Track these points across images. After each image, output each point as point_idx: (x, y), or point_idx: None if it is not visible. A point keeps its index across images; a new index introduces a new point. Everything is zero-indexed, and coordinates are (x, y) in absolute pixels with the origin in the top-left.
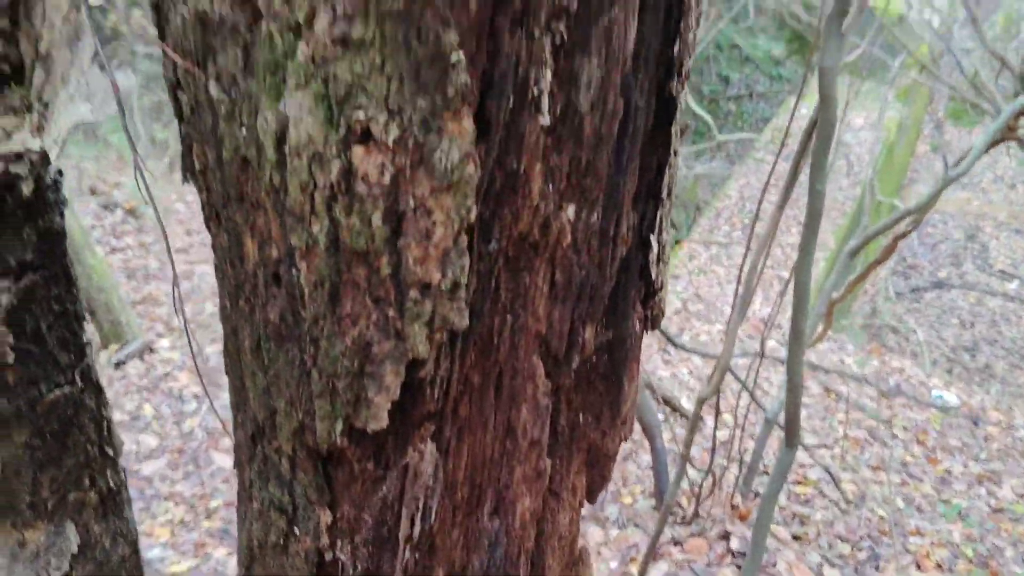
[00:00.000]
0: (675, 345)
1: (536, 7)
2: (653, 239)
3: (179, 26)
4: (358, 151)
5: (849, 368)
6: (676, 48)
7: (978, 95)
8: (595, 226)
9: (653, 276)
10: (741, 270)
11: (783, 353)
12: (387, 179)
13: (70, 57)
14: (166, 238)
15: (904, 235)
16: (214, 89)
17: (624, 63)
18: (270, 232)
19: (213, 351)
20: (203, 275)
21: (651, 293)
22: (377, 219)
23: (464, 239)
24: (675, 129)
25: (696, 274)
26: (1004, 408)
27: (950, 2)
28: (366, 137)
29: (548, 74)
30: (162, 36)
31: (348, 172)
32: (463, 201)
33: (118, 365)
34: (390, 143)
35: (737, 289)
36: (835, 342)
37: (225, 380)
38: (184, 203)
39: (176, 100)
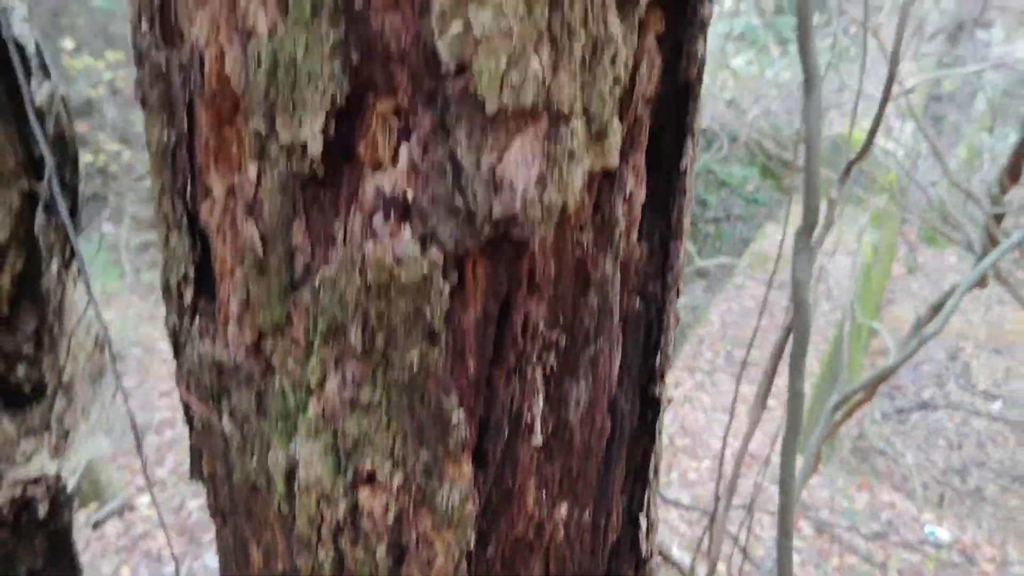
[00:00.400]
0: (664, 501)
1: (528, 354)
2: (642, 518)
3: (195, 362)
4: (364, 492)
5: (840, 504)
6: (657, 360)
7: (945, 224)
8: (587, 523)
9: (643, 550)
10: (723, 456)
11: (774, 493)
12: (391, 517)
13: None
14: (136, 431)
15: (882, 380)
16: (227, 424)
17: (610, 386)
18: (276, 549)
19: (195, 505)
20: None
21: (642, 562)
22: (381, 551)
23: (464, 566)
24: (659, 421)
25: (681, 403)
26: (998, 542)
27: (914, 135)
28: (371, 478)
29: (540, 400)
30: (178, 361)
31: (354, 510)
32: (463, 535)
33: (96, 526)
34: (394, 487)
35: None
36: (825, 476)
37: (206, 537)
38: (166, 343)
39: (188, 415)
